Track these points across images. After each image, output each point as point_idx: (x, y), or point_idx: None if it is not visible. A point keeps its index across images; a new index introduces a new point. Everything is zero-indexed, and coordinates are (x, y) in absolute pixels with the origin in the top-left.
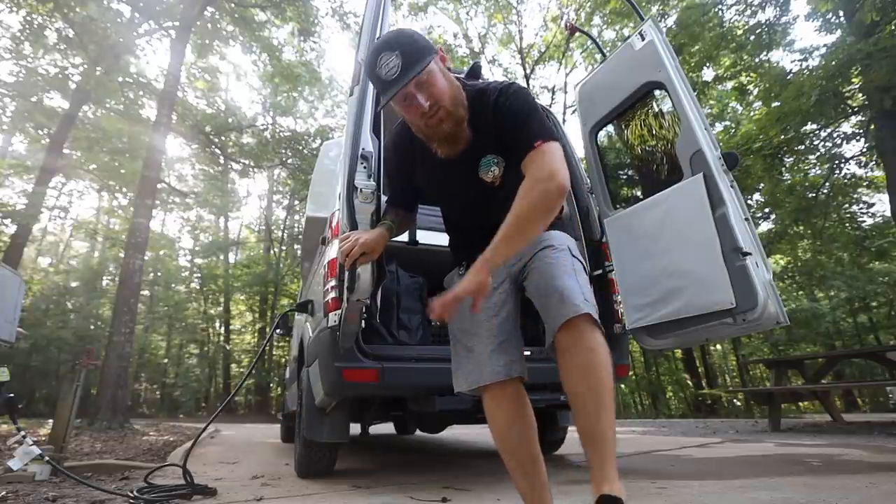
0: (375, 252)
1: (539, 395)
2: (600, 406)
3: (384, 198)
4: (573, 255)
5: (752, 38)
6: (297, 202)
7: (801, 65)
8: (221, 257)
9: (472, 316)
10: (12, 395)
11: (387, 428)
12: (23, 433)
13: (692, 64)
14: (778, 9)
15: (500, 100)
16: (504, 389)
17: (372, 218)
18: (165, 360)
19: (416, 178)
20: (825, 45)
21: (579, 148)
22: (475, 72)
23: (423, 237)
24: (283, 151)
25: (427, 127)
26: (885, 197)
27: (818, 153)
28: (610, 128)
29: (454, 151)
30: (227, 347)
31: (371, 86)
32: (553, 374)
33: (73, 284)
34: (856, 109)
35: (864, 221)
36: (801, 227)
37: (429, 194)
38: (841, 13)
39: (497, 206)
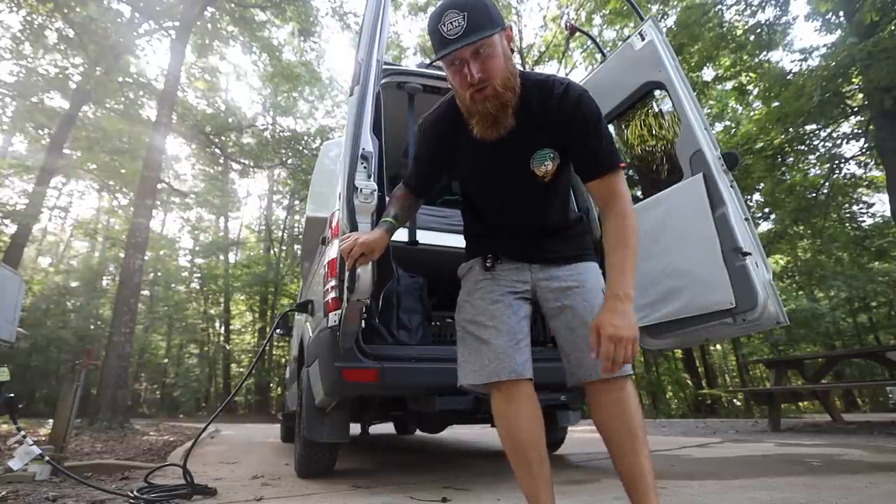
0: (375, 252)
1: (539, 395)
2: (637, 444)
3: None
4: None
5: (752, 38)
6: (297, 202)
7: (801, 65)
8: (221, 257)
9: (490, 309)
10: (12, 395)
11: (387, 428)
12: (23, 433)
13: (692, 64)
14: (778, 9)
15: (570, 99)
16: (518, 388)
17: (372, 218)
18: (165, 360)
19: (450, 160)
20: (825, 45)
21: None
22: None
23: (423, 237)
24: (283, 151)
25: (471, 100)
26: (885, 197)
27: (818, 153)
28: (610, 128)
29: (489, 135)
30: (227, 347)
31: (371, 85)
32: (553, 375)
33: (73, 284)
34: (856, 109)
35: (864, 221)
36: (801, 227)
37: (466, 179)
38: (841, 13)
39: (539, 201)
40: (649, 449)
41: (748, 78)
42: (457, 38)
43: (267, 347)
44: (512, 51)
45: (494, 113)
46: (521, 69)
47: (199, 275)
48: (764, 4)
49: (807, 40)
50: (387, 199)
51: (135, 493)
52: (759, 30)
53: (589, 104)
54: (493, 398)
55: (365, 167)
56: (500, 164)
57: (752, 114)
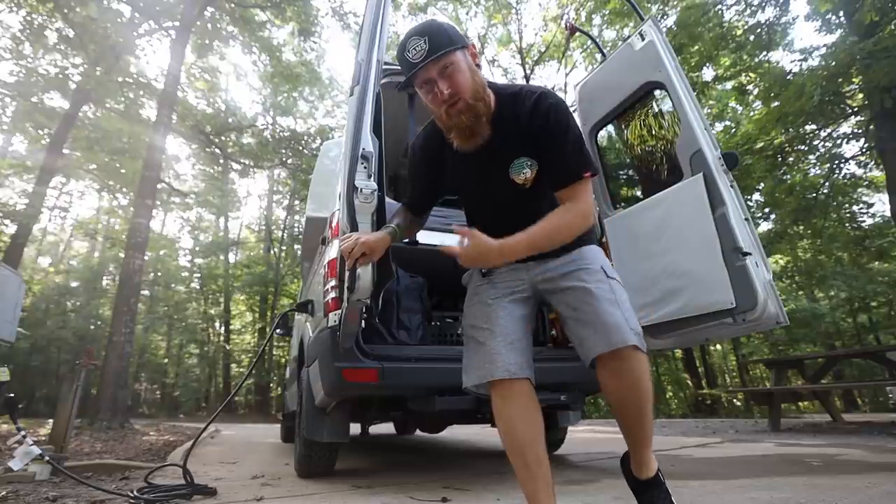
0: (376, 253)
1: (539, 395)
2: (643, 417)
3: (388, 200)
4: (609, 277)
5: (752, 38)
6: (297, 202)
7: (801, 65)
8: (221, 257)
9: (487, 312)
10: (12, 394)
11: (387, 428)
12: (23, 433)
13: (692, 64)
14: (778, 9)
15: (541, 109)
16: (513, 388)
17: (372, 218)
18: (165, 360)
19: (443, 177)
20: (825, 45)
21: None
22: None
23: (423, 237)
24: (283, 151)
25: (446, 116)
26: (885, 197)
27: (818, 153)
28: (610, 128)
29: (469, 145)
30: (227, 347)
31: (371, 85)
32: (553, 375)
33: (73, 284)
34: (856, 109)
35: (864, 221)
36: (801, 227)
37: (457, 191)
38: (841, 13)
39: (523, 207)
40: (653, 420)
41: (748, 78)
42: (419, 61)
43: (267, 347)
44: (478, 66)
45: (469, 124)
46: (495, 82)
47: (199, 275)
48: (764, 4)
49: (807, 40)
50: (387, 199)
51: (135, 493)
52: (759, 30)
53: (558, 113)
54: (492, 398)
55: (365, 167)
56: (481, 174)
57: (752, 114)
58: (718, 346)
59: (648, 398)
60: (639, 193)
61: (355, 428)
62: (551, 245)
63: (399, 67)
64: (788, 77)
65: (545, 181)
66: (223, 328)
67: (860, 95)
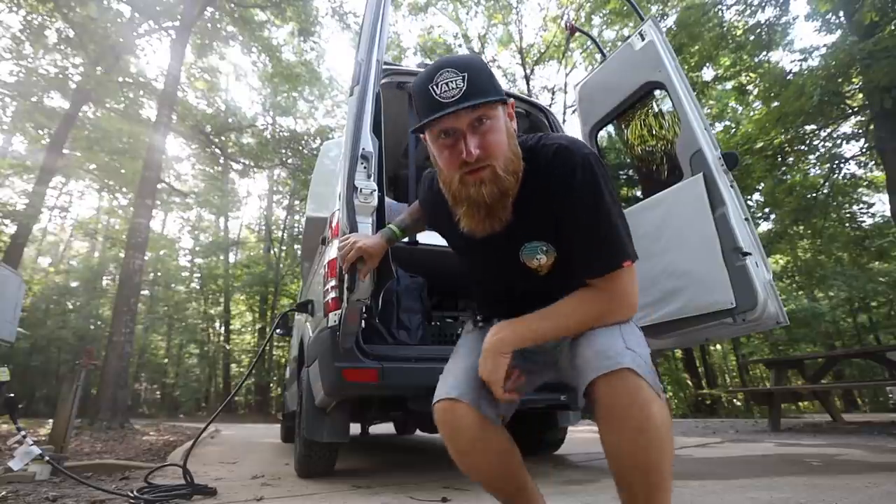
0: (373, 259)
1: (538, 395)
2: (649, 486)
3: (388, 200)
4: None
5: (752, 38)
6: (297, 202)
7: (800, 65)
8: (221, 257)
9: (465, 339)
10: (12, 394)
11: (387, 428)
12: (23, 433)
13: (692, 64)
14: (778, 9)
15: (567, 167)
16: (456, 411)
17: (373, 217)
18: (165, 360)
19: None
20: (825, 45)
21: None
22: None
23: (424, 237)
24: (283, 151)
25: (461, 183)
26: (885, 197)
27: (818, 153)
28: (610, 128)
29: (480, 229)
30: (227, 347)
31: (371, 85)
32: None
33: (73, 284)
34: (856, 109)
35: (864, 221)
36: (801, 227)
37: (456, 253)
38: (841, 13)
39: (533, 289)
40: (670, 494)
41: (748, 78)
42: (453, 101)
43: (267, 347)
44: (515, 131)
45: (489, 202)
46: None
47: (199, 275)
48: (764, 4)
49: (807, 40)
50: (386, 199)
51: (135, 493)
52: (759, 30)
53: (585, 175)
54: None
55: (365, 167)
56: (489, 256)
57: (752, 114)
58: (718, 346)
59: (665, 459)
60: (639, 193)
61: (355, 428)
62: (573, 329)
63: (398, 67)
64: (788, 77)
65: (566, 267)
66: (223, 328)
67: (860, 95)
